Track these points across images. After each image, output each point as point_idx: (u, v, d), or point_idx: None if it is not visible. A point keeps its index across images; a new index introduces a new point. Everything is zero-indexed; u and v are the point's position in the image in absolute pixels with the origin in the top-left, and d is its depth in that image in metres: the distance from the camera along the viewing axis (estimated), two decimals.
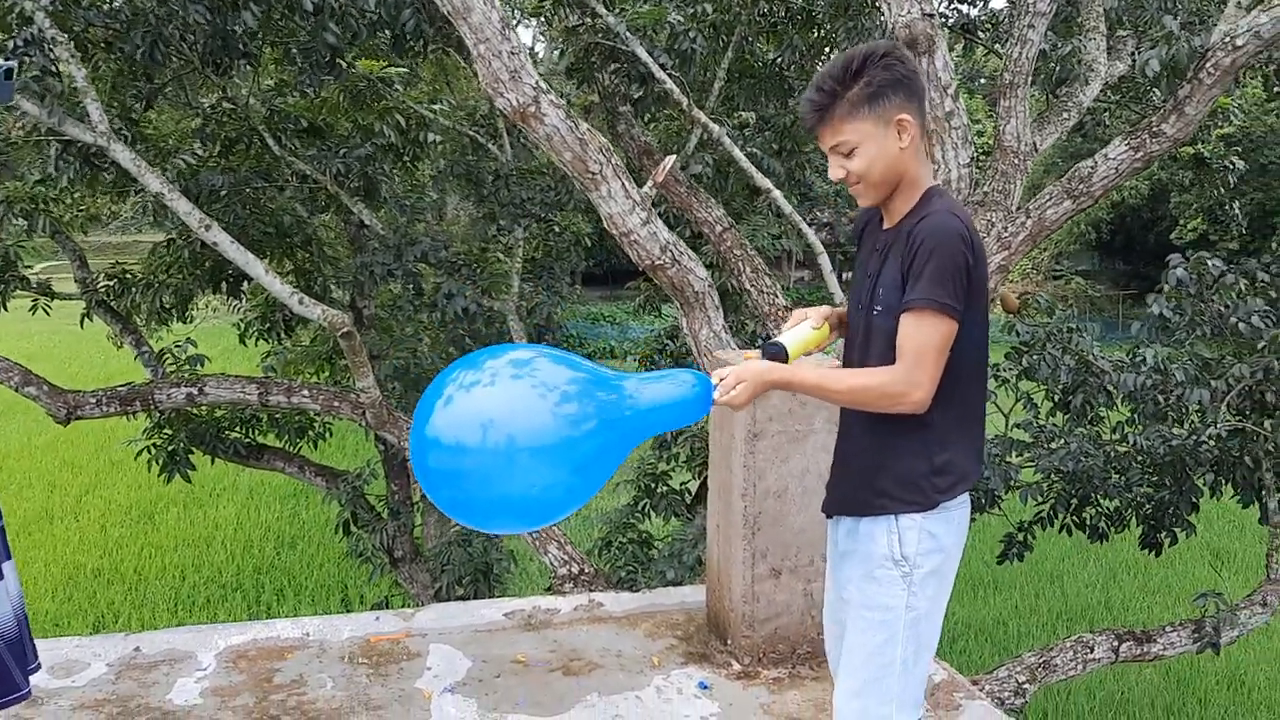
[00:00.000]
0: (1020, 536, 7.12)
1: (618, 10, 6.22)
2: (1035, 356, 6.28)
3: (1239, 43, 4.65)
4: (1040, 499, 6.79)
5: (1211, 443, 5.93)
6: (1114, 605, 12.28)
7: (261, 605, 11.98)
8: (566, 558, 6.46)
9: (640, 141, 7.01)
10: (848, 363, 2.41)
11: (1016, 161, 5.56)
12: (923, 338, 2.13)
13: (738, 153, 6.03)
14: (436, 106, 6.84)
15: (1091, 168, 5.25)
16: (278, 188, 7.22)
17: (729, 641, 3.66)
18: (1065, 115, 6.38)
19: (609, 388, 2.19)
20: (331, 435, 8.96)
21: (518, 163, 7.18)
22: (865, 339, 2.32)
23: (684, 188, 6.59)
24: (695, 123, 6.45)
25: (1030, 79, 5.73)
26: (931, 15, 4.12)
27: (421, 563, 7.82)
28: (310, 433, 8.29)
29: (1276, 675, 10.46)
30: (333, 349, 8.02)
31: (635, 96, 6.69)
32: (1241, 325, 5.57)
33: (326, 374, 8.66)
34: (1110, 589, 12.76)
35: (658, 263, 4.29)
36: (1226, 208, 9.36)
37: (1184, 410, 6.09)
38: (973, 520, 4.42)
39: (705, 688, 3.45)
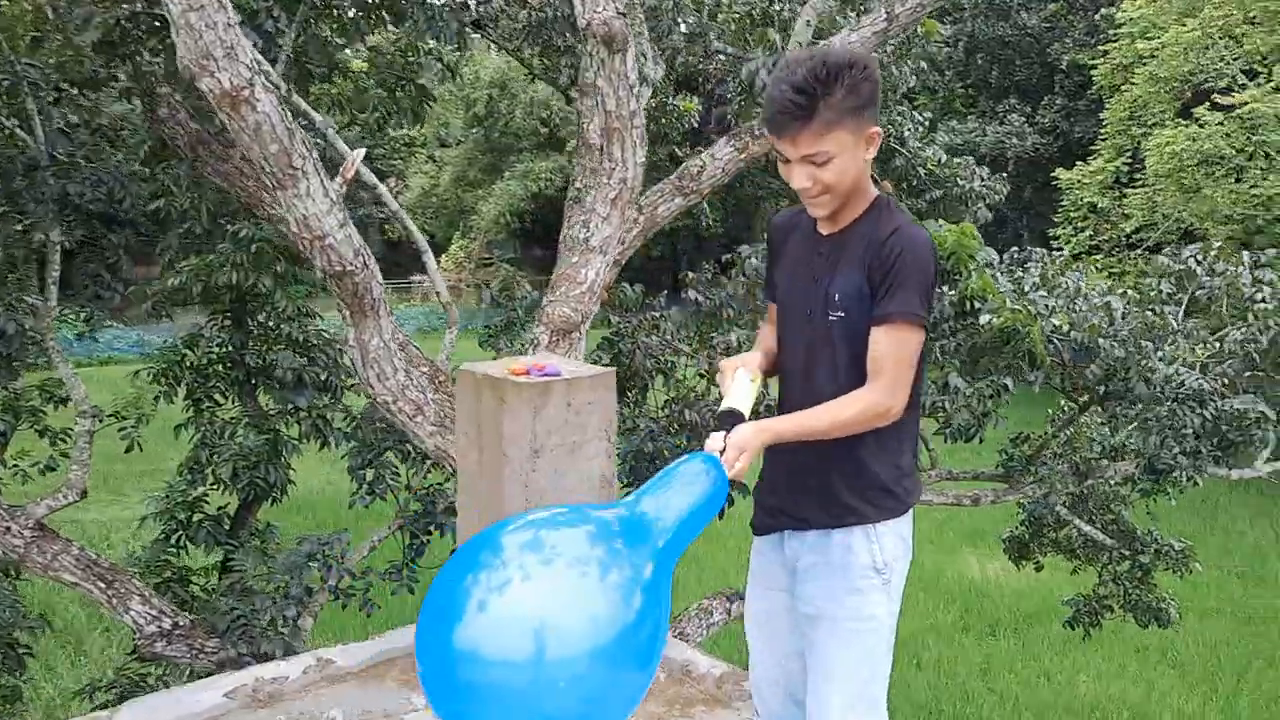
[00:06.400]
0: None
1: None
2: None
3: None
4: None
5: None
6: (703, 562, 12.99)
7: None
8: (155, 612, 5.50)
9: (190, 129, 6.11)
10: (795, 372, 2.33)
11: None
12: (901, 351, 2.14)
13: (334, 135, 5.49)
14: None
15: (700, 166, 5.56)
16: None
17: None
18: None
19: (634, 530, 1.92)
20: None
21: (53, 150, 5.85)
22: (818, 349, 2.25)
23: (252, 181, 5.88)
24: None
25: None
26: (624, 14, 4.09)
27: None
28: None
29: None
30: None
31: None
32: None
33: None
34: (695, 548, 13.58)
35: (349, 269, 3.77)
36: None
37: None
38: None
39: None
